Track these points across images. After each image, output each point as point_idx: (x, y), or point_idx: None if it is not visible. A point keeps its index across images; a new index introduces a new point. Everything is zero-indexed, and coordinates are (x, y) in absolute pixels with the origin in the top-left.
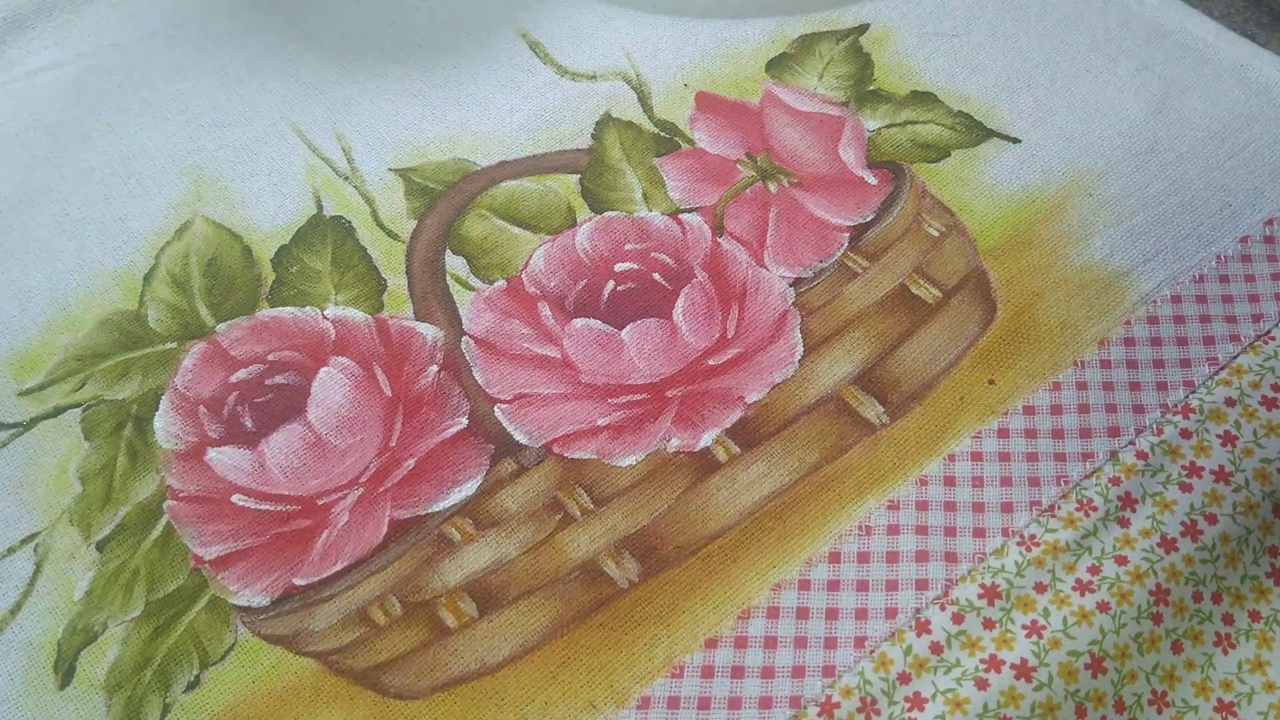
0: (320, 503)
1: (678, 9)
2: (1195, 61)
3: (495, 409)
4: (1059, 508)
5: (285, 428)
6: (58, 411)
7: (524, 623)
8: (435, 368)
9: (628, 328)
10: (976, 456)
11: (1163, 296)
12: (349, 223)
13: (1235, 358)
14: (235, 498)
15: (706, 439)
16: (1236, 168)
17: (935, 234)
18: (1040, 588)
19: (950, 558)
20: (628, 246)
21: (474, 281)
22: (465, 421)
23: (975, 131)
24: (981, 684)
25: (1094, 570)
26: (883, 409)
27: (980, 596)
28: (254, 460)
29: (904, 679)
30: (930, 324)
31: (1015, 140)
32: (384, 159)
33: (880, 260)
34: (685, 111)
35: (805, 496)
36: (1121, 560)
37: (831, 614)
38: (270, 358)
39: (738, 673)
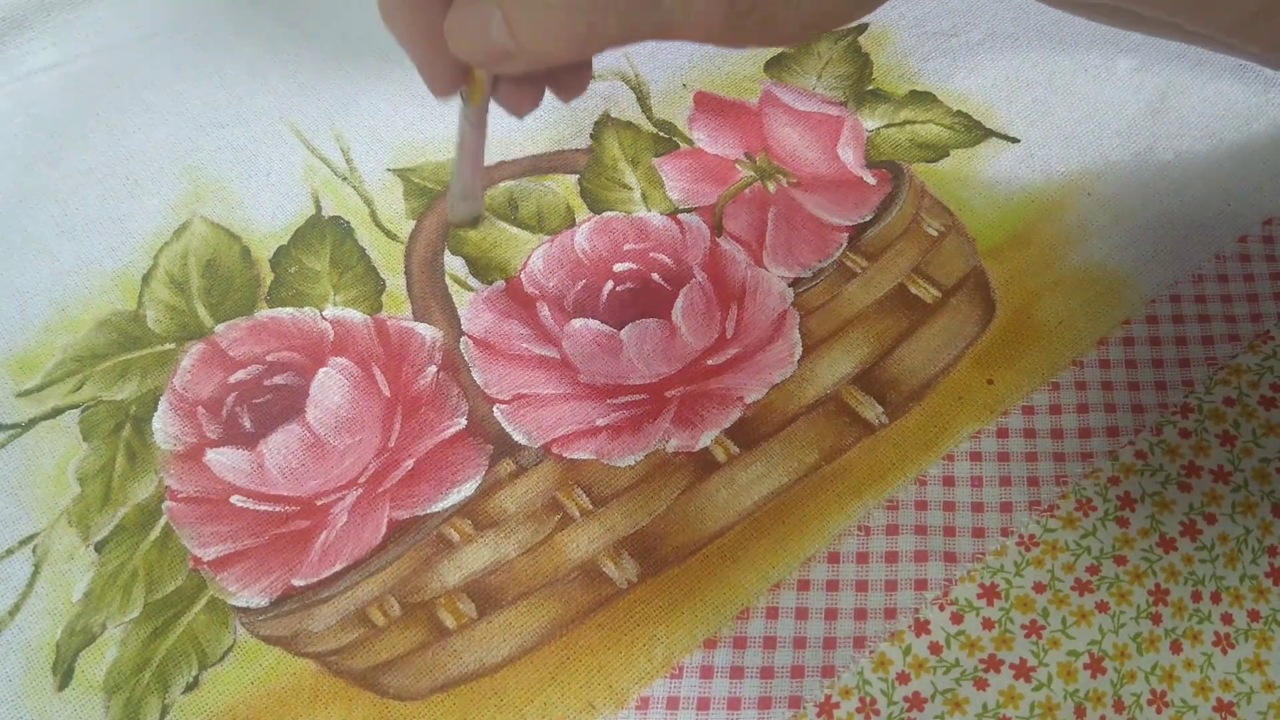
0: (319, 503)
1: None
2: (1194, 61)
3: (494, 409)
4: (1058, 507)
5: (284, 428)
6: (56, 412)
7: (523, 623)
8: (434, 368)
9: (627, 328)
10: (975, 456)
11: (1162, 296)
12: (348, 223)
13: (1234, 357)
14: (234, 498)
15: (705, 439)
16: (1236, 168)
17: (934, 233)
18: (1039, 587)
19: (949, 557)
20: (626, 247)
21: (473, 282)
22: (464, 422)
23: (974, 131)
24: (980, 684)
25: (1093, 570)
26: (882, 409)
27: (979, 596)
28: (253, 461)
29: (903, 679)
30: (929, 324)
31: (1014, 140)
32: (383, 159)
33: (879, 260)
34: (684, 111)
35: (804, 496)
36: (1120, 560)
37: (830, 614)
38: (269, 358)
39: (737, 673)
